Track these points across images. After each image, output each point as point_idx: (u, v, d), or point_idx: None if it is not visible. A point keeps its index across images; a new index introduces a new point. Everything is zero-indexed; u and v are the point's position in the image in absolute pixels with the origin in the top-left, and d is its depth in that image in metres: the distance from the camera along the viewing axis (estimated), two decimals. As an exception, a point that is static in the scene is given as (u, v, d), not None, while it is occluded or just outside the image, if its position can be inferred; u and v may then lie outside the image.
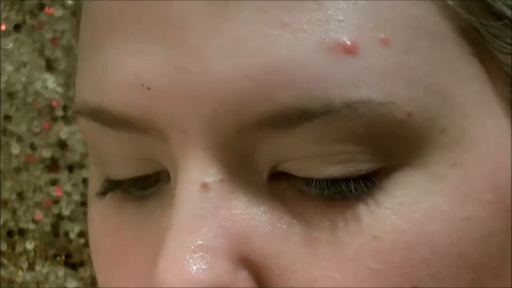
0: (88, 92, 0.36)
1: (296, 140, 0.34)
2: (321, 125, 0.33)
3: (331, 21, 0.32)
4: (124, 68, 0.34)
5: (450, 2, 0.34)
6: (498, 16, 0.35)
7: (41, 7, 1.01)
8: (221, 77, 0.33)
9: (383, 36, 0.33)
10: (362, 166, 0.34)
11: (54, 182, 1.01)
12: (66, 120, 1.00)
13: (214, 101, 0.33)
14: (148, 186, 0.38)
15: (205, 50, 0.32)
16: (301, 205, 0.35)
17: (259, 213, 0.35)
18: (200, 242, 0.33)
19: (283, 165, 0.35)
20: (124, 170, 0.38)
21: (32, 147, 1.01)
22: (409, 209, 0.35)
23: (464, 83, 0.36)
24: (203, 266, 0.33)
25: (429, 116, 0.35)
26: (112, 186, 0.39)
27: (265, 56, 0.32)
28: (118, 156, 0.37)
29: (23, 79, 1.00)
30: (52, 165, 1.02)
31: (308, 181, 0.35)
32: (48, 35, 1.00)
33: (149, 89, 0.34)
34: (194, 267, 0.33)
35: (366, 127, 0.33)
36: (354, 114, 0.33)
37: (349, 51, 0.33)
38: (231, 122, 0.34)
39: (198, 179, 0.35)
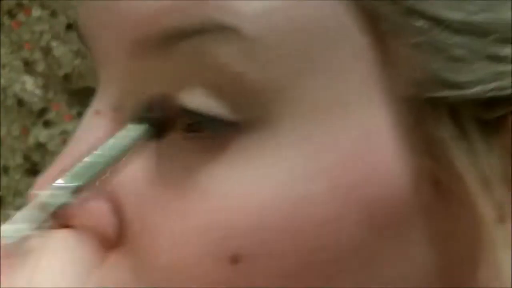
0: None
1: (173, 65, 0.35)
2: (195, 46, 0.34)
3: None
4: None
5: None
6: (396, 0, 0.34)
7: (20, 7, 0.99)
8: (123, 3, 0.35)
9: None
10: (219, 110, 0.34)
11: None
12: (46, 123, 0.99)
13: (114, 21, 0.36)
14: None
15: None
16: (169, 142, 0.36)
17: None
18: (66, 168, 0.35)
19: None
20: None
21: (12, 150, 1.00)
22: (246, 174, 0.34)
23: (343, 58, 0.34)
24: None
25: (291, 73, 0.34)
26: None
27: None
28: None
29: (2, 81, 0.99)
30: (32, 169, 1.00)
31: (177, 112, 0.35)
32: (27, 36, 0.99)
33: (88, 8, 0.37)
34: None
35: (231, 58, 0.34)
36: (223, 39, 0.34)
37: None
38: (125, 43, 0.35)
39: (94, 105, 0.37)
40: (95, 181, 0.34)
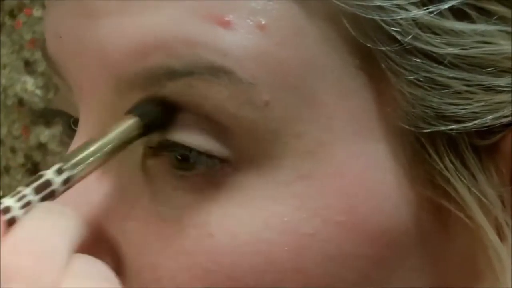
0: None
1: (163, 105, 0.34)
2: (184, 88, 0.34)
3: None
4: (48, 17, 0.38)
5: (343, 21, 0.34)
6: (394, 39, 0.33)
7: (21, 7, 0.99)
8: (104, 37, 0.34)
9: (262, 21, 0.33)
10: (210, 145, 0.34)
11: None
12: (47, 123, 0.99)
13: (97, 59, 0.35)
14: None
15: (97, 12, 0.35)
16: (160, 177, 0.36)
17: (123, 184, 0.36)
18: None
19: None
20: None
21: (13, 150, 1.00)
22: (248, 214, 0.34)
23: (340, 96, 0.34)
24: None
25: (287, 114, 0.34)
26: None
27: (141, 18, 0.34)
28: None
29: (3, 81, 0.99)
30: (34, 169, 1.01)
31: (164, 147, 0.35)
32: (28, 36, 0.98)
33: (60, 37, 0.37)
34: None
35: (223, 101, 0.33)
36: (214, 81, 0.33)
37: (223, 23, 0.33)
38: (110, 81, 0.35)
39: (79, 140, 0.36)
40: (90, 171, 0.34)
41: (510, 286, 0.36)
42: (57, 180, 0.32)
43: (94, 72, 0.35)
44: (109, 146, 0.34)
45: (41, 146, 1.00)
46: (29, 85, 0.99)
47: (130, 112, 0.35)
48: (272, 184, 0.34)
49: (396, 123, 0.35)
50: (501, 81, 0.34)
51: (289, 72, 0.34)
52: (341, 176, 0.34)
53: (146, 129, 0.34)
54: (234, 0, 0.33)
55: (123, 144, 0.34)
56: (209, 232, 0.34)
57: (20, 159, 1.01)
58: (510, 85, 0.34)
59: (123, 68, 0.34)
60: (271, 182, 0.34)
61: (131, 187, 0.35)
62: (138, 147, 0.36)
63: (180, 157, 0.34)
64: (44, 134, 1.00)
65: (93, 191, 0.36)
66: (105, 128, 0.35)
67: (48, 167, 0.33)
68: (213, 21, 0.33)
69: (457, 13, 0.34)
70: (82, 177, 0.33)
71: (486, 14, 0.34)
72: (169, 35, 0.33)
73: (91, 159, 0.33)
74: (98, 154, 0.34)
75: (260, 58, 0.33)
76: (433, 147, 0.35)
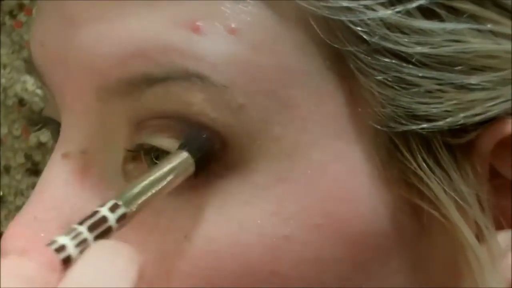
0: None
1: (141, 110, 0.35)
2: (162, 94, 0.34)
3: (184, 1, 0.34)
4: (33, 26, 0.39)
5: (312, 23, 0.34)
6: (362, 40, 0.33)
7: (21, 7, 0.99)
8: (85, 45, 0.35)
9: (232, 25, 0.34)
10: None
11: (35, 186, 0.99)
12: (47, 123, 0.99)
13: (79, 66, 0.35)
14: None
15: (78, 20, 0.35)
16: None
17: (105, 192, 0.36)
18: (38, 215, 0.35)
19: (135, 137, 0.36)
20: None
21: (13, 150, 1.00)
22: (224, 218, 0.34)
23: (314, 99, 0.34)
24: (41, 234, 0.34)
25: (263, 118, 0.34)
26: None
27: (121, 25, 0.34)
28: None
29: (3, 81, 0.99)
30: (34, 169, 1.01)
31: (142, 150, 0.35)
32: (27, 36, 0.99)
33: (43, 45, 0.37)
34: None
35: (199, 106, 0.33)
36: (189, 86, 0.33)
37: (195, 29, 0.34)
38: (92, 88, 0.35)
39: (61, 147, 0.36)
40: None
41: (488, 287, 0.36)
42: (112, 217, 0.32)
43: (76, 79, 0.35)
44: (163, 182, 0.33)
45: (41, 146, 1.01)
46: (29, 85, 0.99)
47: (181, 146, 0.34)
48: (249, 188, 0.34)
49: (369, 123, 0.35)
50: (473, 79, 0.34)
51: (264, 75, 0.34)
52: (318, 178, 0.34)
53: (197, 164, 0.34)
54: (205, 5, 0.34)
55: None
56: (186, 236, 0.34)
57: (20, 159, 1.01)
58: (482, 83, 0.34)
59: (103, 76, 0.35)
60: (248, 185, 0.34)
61: (112, 192, 0.35)
62: (119, 152, 0.36)
63: (157, 160, 0.34)
64: (44, 134, 1.00)
65: (75, 196, 0.36)
66: (89, 137, 0.35)
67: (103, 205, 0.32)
68: (188, 27, 0.34)
69: (426, 12, 0.33)
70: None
71: (455, 13, 0.34)
72: (147, 42, 0.34)
73: (145, 196, 0.33)
74: (153, 191, 0.33)
75: (234, 62, 0.33)
76: (406, 147, 0.34)
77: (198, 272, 0.34)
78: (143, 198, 0.33)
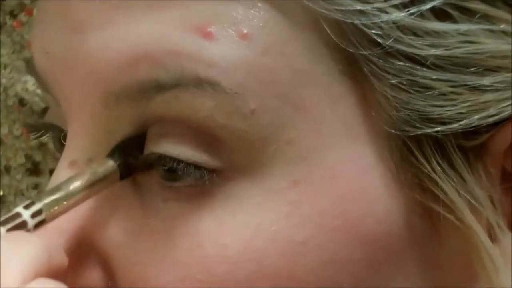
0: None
1: (151, 117, 0.35)
2: (171, 100, 0.33)
3: (193, 5, 0.34)
4: (35, 33, 0.38)
5: (325, 26, 0.33)
6: (375, 43, 0.33)
7: (21, 7, 0.99)
8: (91, 51, 0.34)
9: (244, 31, 0.33)
10: (197, 157, 0.34)
11: (36, 186, 1.00)
12: (47, 123, 0.99)
13: (85, 73, 0.35)
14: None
15: (82, 26, 0.35)
16: (150, 189, 0.35)
17: (114, 200, 0.35)
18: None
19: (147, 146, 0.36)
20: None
21: (13, 150, 1.00)
22: (238, 223, 0.34)
23: (327, 101, 0.34)
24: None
25: (275, 122, 0.33)
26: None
27: (127, 30, 0.34)
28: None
29: (4, 81, 0.99)
30: (34, 169, 1.01)
31: (157, 161, 0.35)
32: (28, 36, 0.99)
33: (47, 52, 0.37)
34: None
35: (210, 112, 0.33)
36: (199, 92, 0.33)
37: (206, 35, 0.33)
38: (99, 94, 0.35)
39: (68, 155, 0.36)
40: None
41: (504, 287, 0.36)
42: (26, 213, 0.33)
43: (82, 86, 0.35)
44: (83, 191, 0.34)
45: (42, 146, 1.01)
46: (30, 85, 0.99)
47: (109, 155, 0.35)
48: (264, 192, 0.34)
49: (382, 127, 0.34)
50: (486, 81, 0.34)
51: (276, 80, 0.34)
52: (333, 180, 0.34)
53: (122, 172, 0.34)
54: (215, 10, 0.33)
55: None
56: (200, 242, 0.34)
57: (20, 159, 1.01)
58: (495, 84, 0.34)
59: (111, 82, 0.34)
60: (263, 189, 0.34)
61: (121, 199, 0.35)
62: None
63: (167, 169, 0.34)
64: (45, 134, 1.00)
65: (83, 204, 0.36)
66: (96, 145, 0.35)
67: (49, 168, 0.33)
68: (198, 33, 0.33)
69: (439, 14, 0.33)
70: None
71: (468, 13, 0.33)
72: (155, 46, 0.33)
73: (58, 194, 0.34)
74: (71, 200, 0.34)
75: (245, 67, 0.33)
76: (420, 150, 0.34)
77: (212, 279, 0.33)
78: (57, 196, 0.34)
